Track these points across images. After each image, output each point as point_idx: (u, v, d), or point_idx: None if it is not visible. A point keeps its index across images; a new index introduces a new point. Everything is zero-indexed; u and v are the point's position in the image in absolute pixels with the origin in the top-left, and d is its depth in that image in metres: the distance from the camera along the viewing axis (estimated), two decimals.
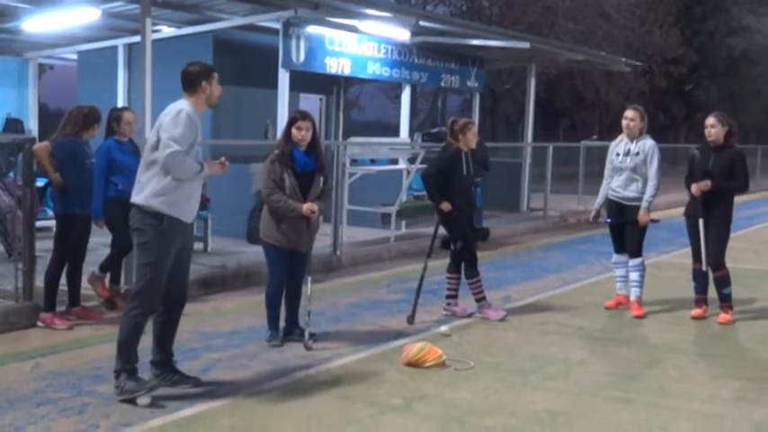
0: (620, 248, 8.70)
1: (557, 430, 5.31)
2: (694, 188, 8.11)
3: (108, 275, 8.17)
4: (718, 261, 8.27)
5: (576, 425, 5.41)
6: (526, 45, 15.50)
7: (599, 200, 8.87)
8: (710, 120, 8.27)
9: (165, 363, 5.90)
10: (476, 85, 17.96)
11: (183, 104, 5.76)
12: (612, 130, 8.74)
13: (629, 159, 8.40)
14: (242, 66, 13.62)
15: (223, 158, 5.93)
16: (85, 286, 7.99)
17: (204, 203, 10.84)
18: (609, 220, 8.69)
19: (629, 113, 8.52)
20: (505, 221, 15.75)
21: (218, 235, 11.11)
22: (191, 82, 5.86)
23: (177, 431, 5.10)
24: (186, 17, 12.80)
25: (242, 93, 13.85)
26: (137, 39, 11.27)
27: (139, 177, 5.74)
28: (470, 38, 15.23)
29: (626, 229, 8.54)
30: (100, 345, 6.88)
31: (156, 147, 5.62)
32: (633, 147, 8.41)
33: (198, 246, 10.88)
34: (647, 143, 8.42)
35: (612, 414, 5.63)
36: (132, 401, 5.45)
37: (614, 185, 8.55)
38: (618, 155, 8.50)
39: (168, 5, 11.87)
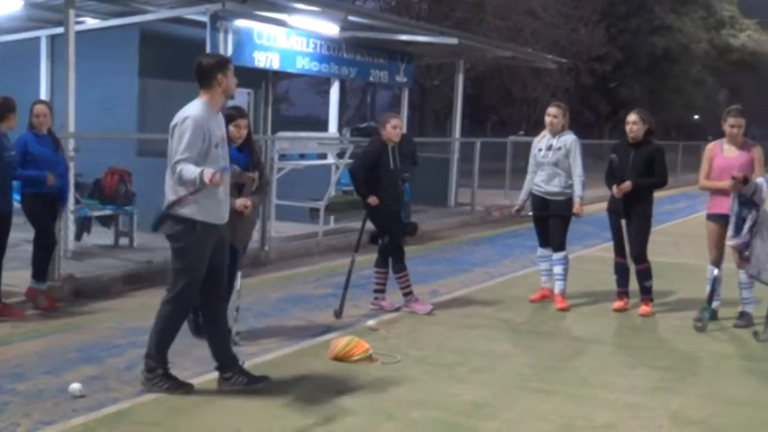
0: (544, 242, 8.84)
1: (482, 421, 5.37)
2: (616, 190, 8.29)
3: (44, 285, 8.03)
4: (640, 254, 8.47)
5: (501, 416, 5.48)
6: (454, 41, 15.61)
7: (522, 194, 9.00)
8: (632, 117, 8.44)
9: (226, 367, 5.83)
10: (404, 80, 18.01)
11: (190, 110, 5.64)
12: (540, 126, 8.87)
13: (552, 154, 8.54)
14: (169, 59, 13.39)
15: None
16: (6, 283, 7.81)
17: (130, 199, 10.70)
18: (531, 214, 8.84)
19: (551, 110, 8.67)
20: (433, 216, 15.84)
21: (144, 230, 10.94)
22: (206, 76, 5.72)
23: (101, 428, 5.02)
24: (112, 9, 12.55)
25: (169, 86, 13.62)
26: (60, 30, 11.03)
27: (167, 182, 5.69)
28: (399, 33, 15.28)
29: (549, 224, 8.69)
30: (21, 343, 6.77)
31: (170, 155, 5.61)
32: (555, 142, 8.56)
33: (123, 241, 10.74)
34: (569, 138, 8.57)
35: (536, 405, 5.72)
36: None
37: (537, 180, 8.67)
38: (540, 150, 8.64)
39: None
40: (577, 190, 8.52)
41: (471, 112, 36.90)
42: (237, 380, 5.75)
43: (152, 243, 10.31)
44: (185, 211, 5.57)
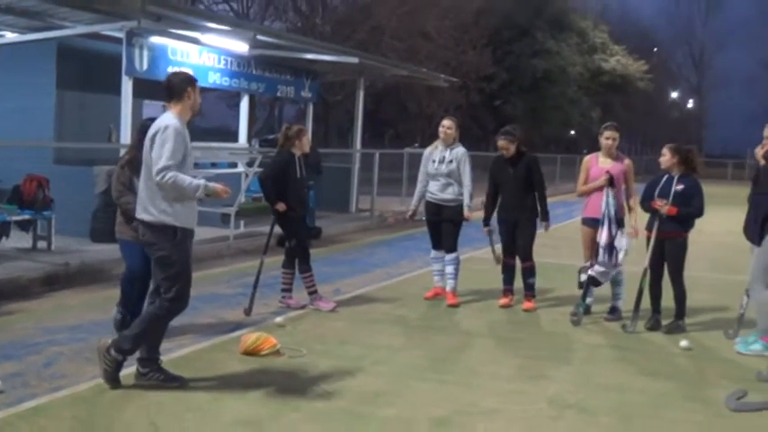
0: (437, 245, 8.95)
1: (381, 408, 5.40)
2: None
3: None
4: (527, 254, 8.66)
5: (399, 403, 5.52)
6: (355, 60, 15.71)
7: (414, 201, 9.08)
8: (501, 142, 8.61)
9: (152, 360, 5.69)
10: (309, 95, 18.00)
11: (168, 119, 5.51)
12: (434, 139, 8.98)
13: (444, 167, 8.66)
14: (86, 72, 13.12)
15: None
16: None
17: (48, 204, 10.38)
18: (424, 219, 8.95)
19: (446, 122, 8.78)
20: (336, 221, 15.85)
21: (61, 234, 10.63)
22: (177, 90, 5.62)
23: (21, 423, 4.85)
24: (30, 23, 12.20)
25: (86, 98, 13.36)
26: None
27: (141, 194, 5.57)
28: (304, 52, 15.28)
29: (442, 228, 8.80)
30: None
31: (149, 164, 5.47)
32: (447, 155, 8.67)
33: (41, 244, 10.41)
34: (459, 151, 8.71)
35: (430, 393, 5.79)
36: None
37: (432, 189, 8.77)
38: (434, 162, 8.74)
39: (11, 11, 11.29)
40: (466, 199, 8.66)
41: (371, 125, 37.00)
42: (154, 376, 5.64)
43: (70, 246, 10.05)
44: (166, 219, 5.47)
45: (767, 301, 7.10)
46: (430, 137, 34.75)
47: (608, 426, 5.33)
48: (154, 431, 4.85)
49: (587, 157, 8.68)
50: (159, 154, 5.36)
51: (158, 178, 5.35)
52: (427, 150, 8.90)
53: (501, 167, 8.73)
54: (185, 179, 5.40)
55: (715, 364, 6.94)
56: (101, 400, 5.34)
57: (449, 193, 8.68)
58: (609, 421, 5.41)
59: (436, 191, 8.73)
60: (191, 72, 5.94)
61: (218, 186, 5.59)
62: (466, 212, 8.65)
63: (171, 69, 13.14)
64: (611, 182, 8.12)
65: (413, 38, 32.15)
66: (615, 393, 6.01)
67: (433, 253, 9.05)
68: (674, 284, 8.01)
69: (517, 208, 8.57)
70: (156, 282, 5.77)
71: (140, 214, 5.58)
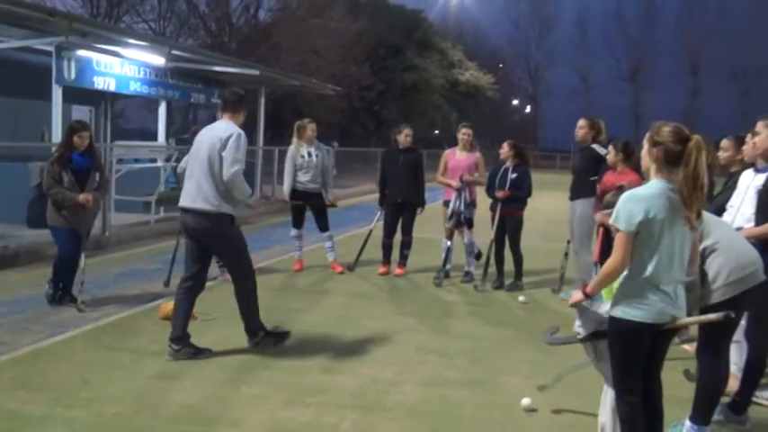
0: (299, 225, 8.95)
1: (279, 359, 5.39)
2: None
3: None
4: (409, 230, 8.75)
5: (294, 354, 5.52)
6: (256, 72, 15.47)
7: (286, 188, 8.93)
8: (405, 130, 8.72)
9: (183, 338, 5.41)
10: (218, 102, 17.55)
11: (233, 127, 5.37)
12: (321, 138, 8.94)
13: (313, 160, 8.66)
14: (20, 80, 12.45)
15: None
16: None
17: None
18: (300, 203, 8.87)
19: (312, 126, 8.78)
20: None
21: (2, 222, 10.03)
22: (236, 104, 5.56)
23: None
24: None
25: (21, 103, 12.69)
26: None
27: (201, 186, 5.26)
28: (213, 65, 14.92)
29: (314, 211, 8.83)
30: None
31: (213, 161, 5.22)
32: (313, 150, 8.68)
33: None
34: (322, 147, 8.77)
35: (320, 345, 5.81)
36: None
37: (303, 180, 8.70)
38: (303, 156, 8.68)
39: None
40: (329, 187, 8.76)
41: (272, 126, 36.41)
42: (187, 351, 5.35)
43: (7, 232, 9.51)
44: (226, 208, 5.33)
45: (590, 262, 7.39)
46: (321, 135, 34.73)
47: (463, 366, 5.48)
48: (84, 386, 4.68)
49: (447, 151, 8.85)
50: (234, 157, 5.23)
51: (233, 177, 5.22)
52: (293, 147, 8.78)
53: (391, 158, 8.77)
54: (245, 183, 5.40)
55: (545, 314, 7.22)
56: (37, 362, 5.11)
57: (317, 183, 8.71)
58: (463, 362, 5.57)
59: (307, 181, 8.70)
60: (242, 91, 5.88)
61: (253, 198, 5.64)
62: (331, 199, 8.71)
63: (96, 78, 12.63)
64: (460, 189, 8.38)
65: (305, 54, 31.88)
66: (468, 340, 6.18)
67: (294, 231, 9.00)
68: (514, 252, 8.29)
69: (402, 192, 8.63)
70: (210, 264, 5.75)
71: (199, 204, 5.29)
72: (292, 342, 5.84)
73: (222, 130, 5.33)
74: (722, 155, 5.30)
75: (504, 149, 8.23)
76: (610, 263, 3.37)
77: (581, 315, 3.74)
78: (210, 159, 5.25)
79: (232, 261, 5.59)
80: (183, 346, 5.37)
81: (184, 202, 5.39)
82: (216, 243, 5.47)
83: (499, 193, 8.04)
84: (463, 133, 8.57)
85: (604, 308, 3.59)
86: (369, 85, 37.89)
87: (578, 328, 3.79)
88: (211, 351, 5.49)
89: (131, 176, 12.59)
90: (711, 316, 3.60)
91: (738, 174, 5.04)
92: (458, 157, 8.57)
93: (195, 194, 5.30)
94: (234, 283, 5.61)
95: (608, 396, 3.78)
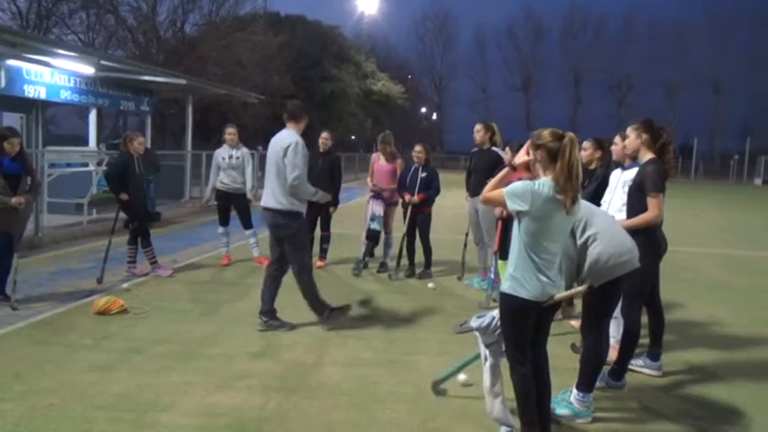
0: (225, 223, 8.78)
1: (208, 348, 5.26)
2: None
3: None
4: (327, 226, 8.69)
5: (222, 343, 5.41)
6: (183, 81, 15.02)
7: (209, 190, 8.79)
8: (324, 134, 8.67)
9: (271, 311, 5.85)
10: (147, 109, 17.00)
11: (294, 136, 5.64)
12: (248, 143, 8.79)
13: (234, 162, 8.53)
14: None
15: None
16: None
17: None
18: (216, 204, 8.72)
19: (231, 130, 8.64)
20: (173, 207, 15.13)
21: None
22: (298, 114, 5.76)
23: None
24: None
25: None
26: None
27: (274, 189, 5.66)
28: (142, 75, 14.38)
29: (237, 211, 8.69)
30: None
31: (280, 167, 5.57)
32: (234, 153, 8.55)
33: None
34: (244, 151, 8.65)
35: (248, 335, 5.72)
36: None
37: (225, 180, 8.57)
38: (224, 159, 8.56)
39: None
40: (248, 186, 8.62)
41: (200, 132, 35.50)
42: (274, 323, 5.84)
43: None
44: (295, 207, 5.67)
45: (492, 251, 7.53)
46: (246, 140, 34.20)
47: (378, 347, 5.51)
48: (17, 379, 4.44)
49: (374, 155, 8.87)
50: (294, 163, 5.51)
51: (294, 182, 5.53)
52: (218, 151, 8.66)
53: (311, 162, 8.66)
54: (308, 185, 5.72)
55: (451, 299, 7.34)
56: None
57: (238, 183, 8.59)
58: (379, 343, 5.59)
59: (229, 182, 8.58)
60: (300, 103, 5.99)
61: (320, 194, 5.91)
62: (250, 197, 8.61)
63: (26, 87, 12.00)
64: (379, 194, 8.46)
65: (231, 65, 31.33)
66: (384, 323, 6.21)
67: (221, 229, 8.83)
68: (424, 244, 8.38)
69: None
70: (277, 255, 5.92)
71: (272, 204, 5.69)
72: (221, 331, 5.72)
73: (283, 140, 5.63)
74: (583, 153, 5.86)
75: (418, 149, 8.27)
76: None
77: (482, 333, 3.91)
78: (278, 166, 5.62)
79: (293, 254, 5.80)
80: (271, 318, 5.80)
81: (264, 202, 5.80)
82: (285, 235, 5.77)
83: (414, 198, 8.08)
84: (383, 147, 8.67)
85: (481, 319, 3.89)
86: (290, 93, 37.51)
87: (473, 323, 3.94)
88: (293, 325, 5.84)
89: (64, 180, 12.01)
90: (579, 288, 3.91)
91: (598, 170, 5.76)
92: (381, 163, 8.72)
93: (270, 196, 5.73)
94: (294, 276, 5.89)
95: (486, 365, 3.94)
